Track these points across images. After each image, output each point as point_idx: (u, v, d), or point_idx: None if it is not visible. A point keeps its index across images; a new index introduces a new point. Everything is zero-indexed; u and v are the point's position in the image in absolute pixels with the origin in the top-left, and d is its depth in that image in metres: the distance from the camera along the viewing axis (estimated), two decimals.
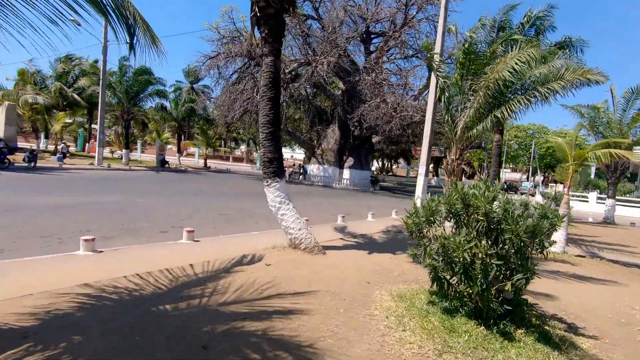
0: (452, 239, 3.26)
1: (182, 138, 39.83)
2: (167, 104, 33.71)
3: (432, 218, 3.72)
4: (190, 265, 4.81)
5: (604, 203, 19.49)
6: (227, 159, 58.76)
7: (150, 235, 6.94)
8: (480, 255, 3.18)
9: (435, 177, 54.17)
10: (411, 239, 4.00)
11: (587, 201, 28.03)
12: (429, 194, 5.02)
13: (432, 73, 10.30)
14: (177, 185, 17.15)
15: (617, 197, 24.40)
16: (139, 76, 26.29)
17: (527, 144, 54.27)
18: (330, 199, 17.25)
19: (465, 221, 3.48)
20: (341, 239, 7.47)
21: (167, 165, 29.73)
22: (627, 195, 32.48)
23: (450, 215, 3.60)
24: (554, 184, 41.87)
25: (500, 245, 3.34)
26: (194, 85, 60.58)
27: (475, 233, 3.35)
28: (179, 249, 5.66)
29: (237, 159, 60.81)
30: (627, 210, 24.14)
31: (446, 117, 9.50)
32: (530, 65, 7.86)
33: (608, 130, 15.21)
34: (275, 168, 5.83)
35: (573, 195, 29.41)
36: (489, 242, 3.37)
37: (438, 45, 10.23)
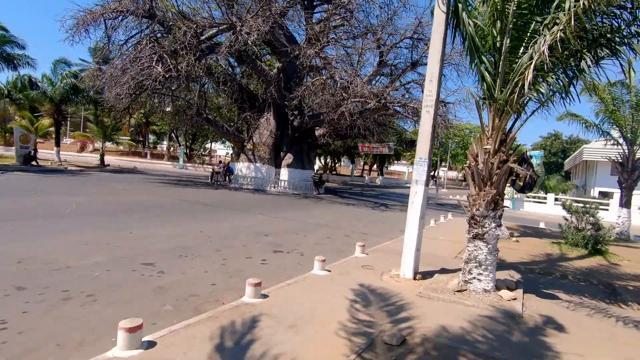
0: None
1: (64, 126, 30.54)
2: (39, 79, 24.79)
3: None
4: None
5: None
6: (145, 155, 49.64)
7: None
8: None
9: (380, 177, 50.86)
10: None
11: (545, 203, 26.05)
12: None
13: None
14: None
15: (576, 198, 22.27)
16: None
17: (465, 143, 53.99)
18: (255, 215, 11.46)
19: None
20: None
21: (33, 163, 21.28)
22: (562, 194, 31.24)
23: None
24: None
25: None
26: (102, 67, 49.74)
27: None
28: None
29: (158, 156, 51.82)
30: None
31: (478, 60, 4.39)
32: None
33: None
34: None
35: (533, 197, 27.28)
36: None
37: None
